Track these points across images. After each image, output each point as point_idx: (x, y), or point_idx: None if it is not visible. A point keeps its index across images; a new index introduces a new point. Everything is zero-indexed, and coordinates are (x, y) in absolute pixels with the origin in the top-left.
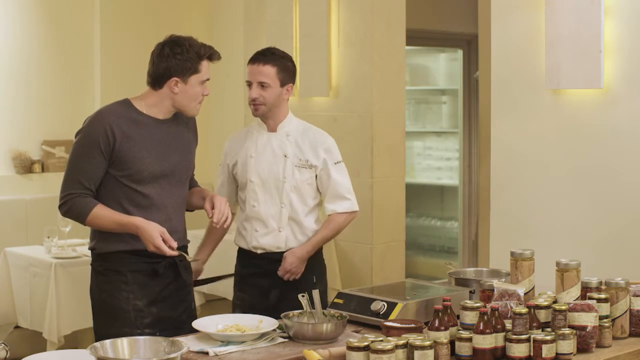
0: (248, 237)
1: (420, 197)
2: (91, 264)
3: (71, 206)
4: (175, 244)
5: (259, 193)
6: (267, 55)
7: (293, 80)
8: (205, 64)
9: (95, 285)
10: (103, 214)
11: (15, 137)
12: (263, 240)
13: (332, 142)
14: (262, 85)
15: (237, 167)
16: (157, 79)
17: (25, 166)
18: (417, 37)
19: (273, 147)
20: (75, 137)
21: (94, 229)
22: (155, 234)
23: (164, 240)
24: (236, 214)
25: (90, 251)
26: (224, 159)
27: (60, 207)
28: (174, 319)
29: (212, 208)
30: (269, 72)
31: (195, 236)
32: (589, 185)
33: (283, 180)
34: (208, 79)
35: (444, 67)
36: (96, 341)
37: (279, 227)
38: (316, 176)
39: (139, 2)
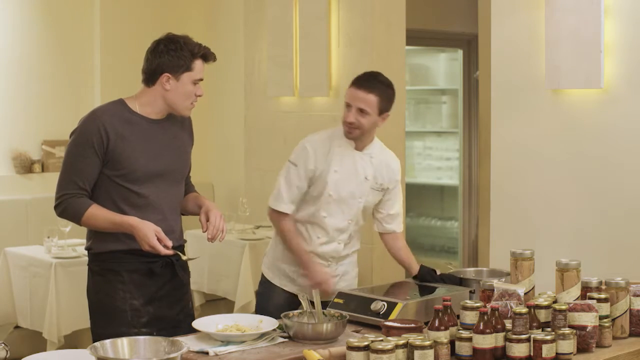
0: (308, 240)
1: (420, 197)
2: (88, 264)
3: (66, 206)
4: (170, 243)
5: (333, 206)
6: (374, 83)
7: (390, 109)
8: (198, 63)
9: (92, 285)
10: (98, 213)
11: (15, 137)
12: (322, 249)
13: (399, 164)
14: (361, 111)
15: (316, 176)
16: (150, 75)
17: (25, 166)
18: (417, 37)
19: (357, 167)
20: (70, 137)
21: (90, 229)
22: (150, 234)
23: (159, 240)
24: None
25: (86, 251)
26: (305, 163)
27: (55, 207)
28: (171, 318)
29: (207, 221)
30: (371, 100)
31: (193, 236)
32: (589, 185)
33: (359, 200)
34: (201, 79)
35: (444, 67)
36: (94, 341)
37: (339, 239)
38: (382, 197)
39: (139, 3)
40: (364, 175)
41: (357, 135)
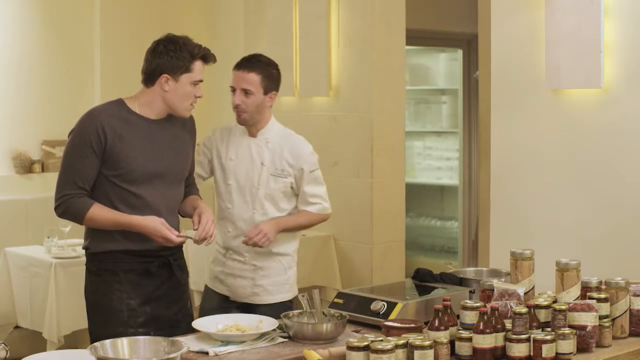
0: (222, 236)
1: (420, 197)
2: (85, 264)
3: (67, 207)
4: (176, 232)
5: (234, 196)
6: (253, 62)
7: (277, 88)
8: (198, 64)
9: (89, 285)
10: (100, 213)
11: (15, 137)
12: (233, 242)
13: (311, 150)
14: (245, 92)
15: (216, 163)
16: (149, 76)
17: (25, 166)
18: (417, 37)
19: (252, 152)
20: (68, 137)
21: (91, 227)
22: (159, 227)
23: None
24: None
25: (84, 251)
26: (208, 144)
27: (56, 208)
28: (168, 318)
29: (199, 222)
30: (253, 79)
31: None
32: (589, 185)
33: (257, 187)
34: (201, 80)
35: (444, 67)
36: (91, 341)
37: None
38: (291, 183)
39: (139, 3)
40: (260, 160)
41: (246, 119)
